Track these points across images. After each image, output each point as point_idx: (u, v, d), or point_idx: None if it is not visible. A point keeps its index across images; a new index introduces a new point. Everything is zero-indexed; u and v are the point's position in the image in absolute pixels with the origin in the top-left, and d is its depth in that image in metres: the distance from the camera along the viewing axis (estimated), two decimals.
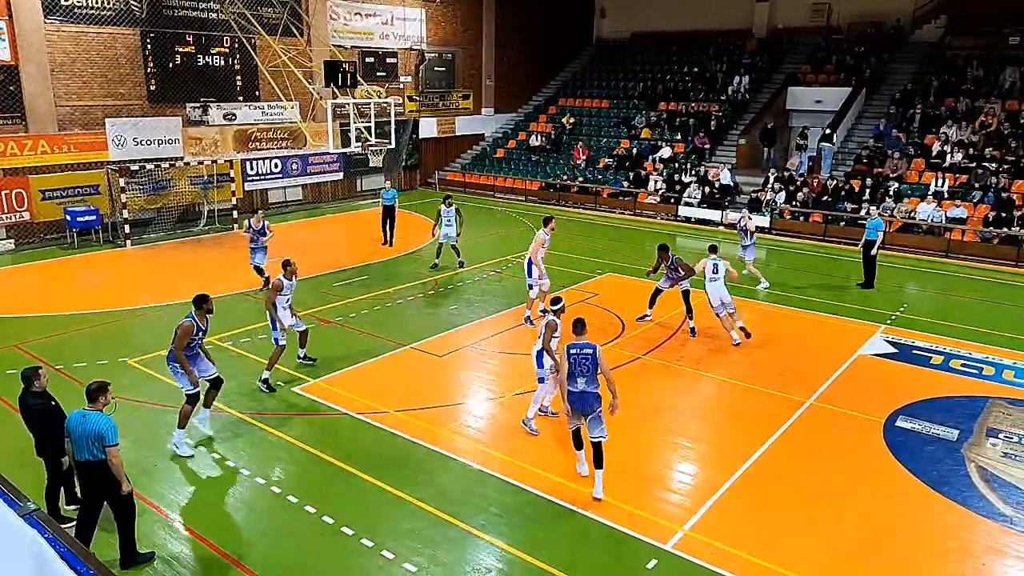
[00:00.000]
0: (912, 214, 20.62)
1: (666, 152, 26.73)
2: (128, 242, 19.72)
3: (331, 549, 7.06)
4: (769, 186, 23.27)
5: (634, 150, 27.55)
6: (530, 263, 13.02)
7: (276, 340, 10.46)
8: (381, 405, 10.04)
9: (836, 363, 11.71)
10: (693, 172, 25.10)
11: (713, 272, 12.40)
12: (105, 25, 20.36)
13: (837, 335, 13.16)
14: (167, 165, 20.96)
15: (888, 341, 12.80)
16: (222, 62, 23.08)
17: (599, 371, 7.74)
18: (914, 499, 8.03)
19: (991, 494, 8.09)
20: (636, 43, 33.81)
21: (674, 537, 7.24)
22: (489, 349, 12.31)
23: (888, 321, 13.87)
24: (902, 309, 14.75)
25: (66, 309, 14.18)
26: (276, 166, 24.93)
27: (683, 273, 12.79)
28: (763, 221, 22.31)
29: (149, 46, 21.31)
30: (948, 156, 22.07)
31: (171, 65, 21.83)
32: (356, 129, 18.97)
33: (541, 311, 12.81)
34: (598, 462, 7.78)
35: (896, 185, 21.77)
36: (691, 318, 12.93)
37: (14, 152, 18.97)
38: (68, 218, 19.60)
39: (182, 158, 21.52)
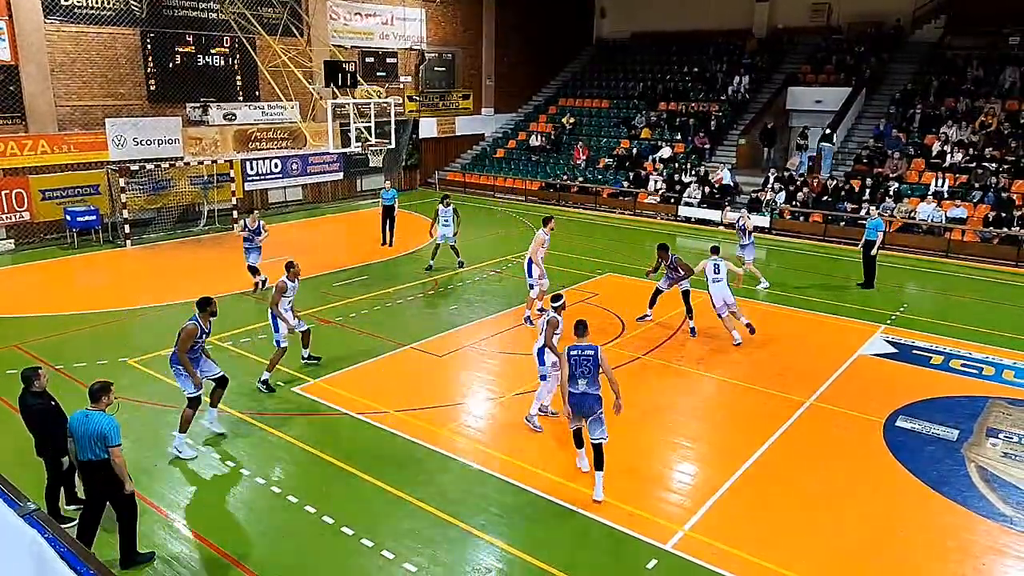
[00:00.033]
0: (912, 214, 20.62)
1: (666, 152, 26.74)
2: (128, 242, 19.72)
3: (331, 549, 7.06)
4: (769, 186, 23.28)
5: (634, 150, 27.55)
6: (530, 263, 13.03)
7: (278, 342, 10.46)
8: (381, 405, 10.04)
9: (836, 363, 11.71)
10: (693, 172, 25.11)
11: (715, 273, 12.39)
12: (105, 25, 20.36)
13: (837, 335, 13.16)
14: (167, 165, 20.97)
15: (888, 341, 12.80)
16: (222, 62, 23.09)
17: (601, 372, 7.71)
18: (914, 499, 8.03)
19: (991, 494, 8.09)
20: (636, 43, 33.81)
21: (674, 537, 7.24)
22: (489, 349, 12.31)
23: (888, 321, 13.87)
24: (902, 309, 14.75)
25: (66, 309, 14.18)
26: (276, 166, 24.93)
27: (683, 273, 12.79)
28: (763, 221, 22.31)
29: (149, 46, 21.31)
30: (948, 156, 22.07)
31: (171, 65, 21.83)
32: (356, 129, 18.98)
33: (539, 310, 12.83)
34: (598, 464, 7.77)
35: (896, 185, 21.77)
36: (691, 318, 12.94)
37: (14, 152, 18.97)
38: (68, 218, 19.60)
39: (182, 158, 21.53)
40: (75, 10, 19.73)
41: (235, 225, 21.40)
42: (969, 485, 8.27)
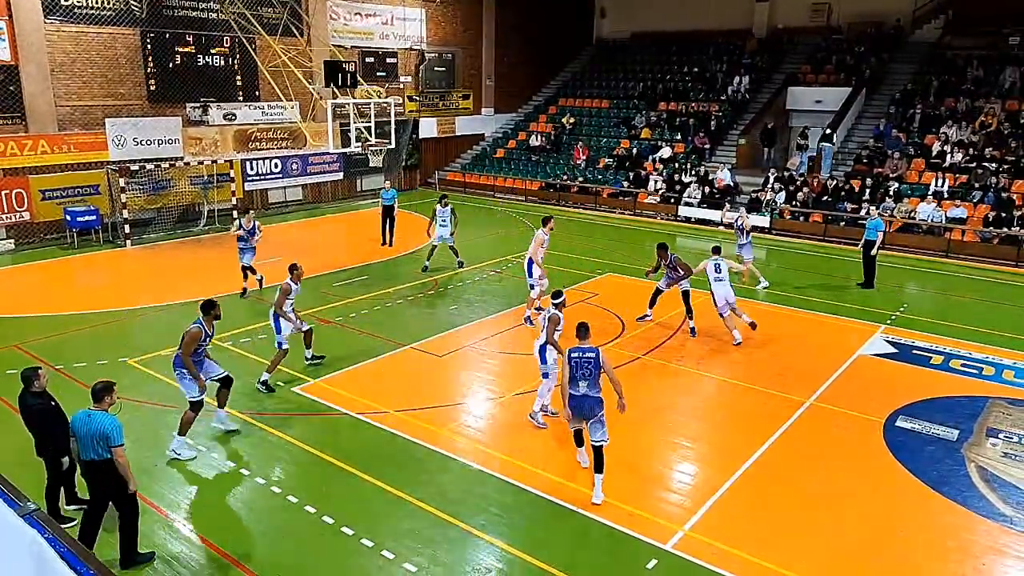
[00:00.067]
0: (912, 214, 20.62)
1: (666, 152, 26.74)
2: (128, 242, 19.72)
3: (331, 549, 7.06)
4: (769, 186, 23.28)
5: (634, 150, 27.56)
6: (531, 263, 13.03)
7: (280, 344, 10.47)
8: (381, 405, 10.04)
9: (836, 363, 11.71)
10: (693, 172, 25.11)
11: (716, 272, 12.42)
12: (105, 25, 20.37)
13: (837, 335, 13.16)
14: (167, 165, 20.97)
15: (888, 341, 12.80)
16: (222, 62, 23.09)
17: (602, 374, 7.69)
18: (914, 499, 8.03)
19: (991, 494, 8.09)
20: (636, 43, 33.81)
21: (674, 537, 7.24)
22: (489, 349, 12.31)
23: (888, 321, 13.87)
24: (902, 309, 14.75)
25: (66, 309, 14.18)
26: (276, 166, 24.93)
27: (682, 273, 12.80)
28: (763, 221, 22.32)
29: (149, 46, 21.32)
30: (948, 156, 22.07)
31: (171, 65, 21.83)
32: (356, 129, 18.98)
33: (537, 309, 12.84)
34: (598, 467, 7.75)
35: (896, 185, 21.77)
36: (691, 318, 12.94)
37: (14, 152, 18.97)
38: (68, 218, 19.61)
39: (182, 158, 21.53)
40: (75, 10, 19.73)
41: (233, 226, 21.42)
42: (969, 485, 8.27)
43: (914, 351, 12.36)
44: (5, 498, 3.15)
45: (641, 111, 29.45)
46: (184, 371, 8.57)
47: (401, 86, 28.64)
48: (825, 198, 22.25)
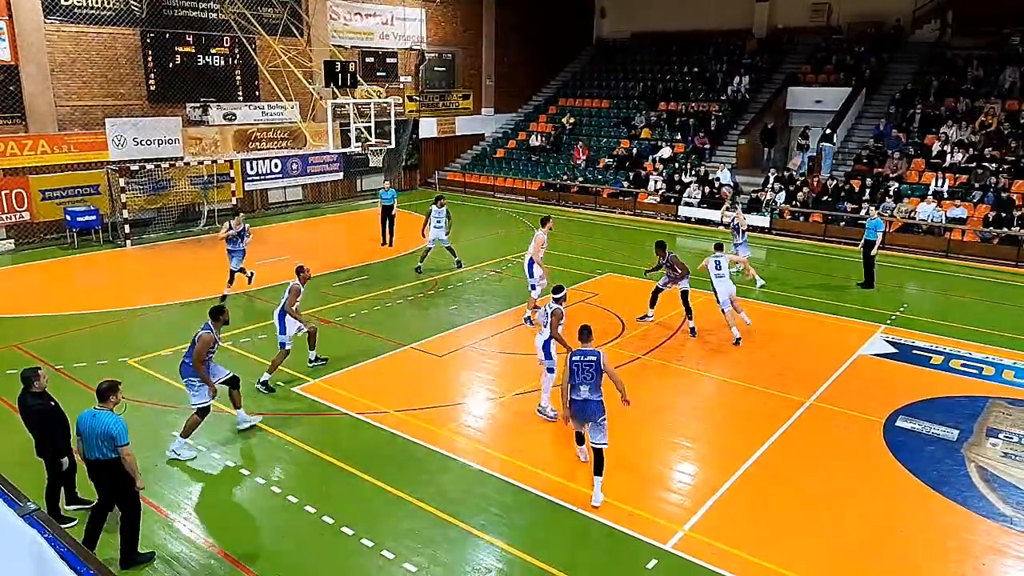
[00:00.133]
0: (912, 214, 20.62)
1: (666, 152, 26.74)
2: (128, 242, 19.72)
3: (331, 549, 7.06)
4: (769, 186, 23.28)
5: (634, 150, 27.56)
6: (531, 263, 13.03)
7: (283, 344, 10.49)
8: (381, 405, 10.05)
9: (836, 363, 11.71)
10: (693, 172, 25.11)
11: (716, 269, 12.51)
12: (105, 25, 20.36)
13: (837, 335, 13.16)
14: (167, 165, 20.97)
15: (888, 341, 12.80)
16: (222, 62, 23.09)
17: (604, 375, 7.69)
18: (914, 499, 8.03)
19: (991, 494, 8.09)
20: (636, 43, 33.81)
21: (674, 537, 7.24)
22: (489, 349, 12.31)
23: (888, 321, 13.87)
24: (902, 309, 14.75)
25: (66, 309, 14.18)
26: (276, 166, 24.93)
27: (679, 272, 12.81)
28: (763, 221, 22.34)
29: (149, 46, 21.32)
30: (948, 156, 22.07)
31: (171, 65, 21.83)
32: (356, 129, 18.97)
33: (534, 308, 12.87)
34: (598, 469, 7.76)
35: (896, 185, 21.77)
36: (691, 318, 12.94)
37: (14, 152, 18.97)
38: (68, 218, 19.60)
39: (182, 158, 21.52)
40: (75, 10, 19.73)
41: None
42: (969, 485, 8.27)
43: (914, 351, 12.36)
44: (5, 498, 3.15)
45: (641, 111, 29.45)
46: (194, 380, 8.52)
47: (401, 86, 28.64)
48: (825, 198, 22.25)
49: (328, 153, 24.31)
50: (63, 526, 6.09)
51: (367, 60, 27.21)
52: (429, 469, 8.48)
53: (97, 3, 20.09)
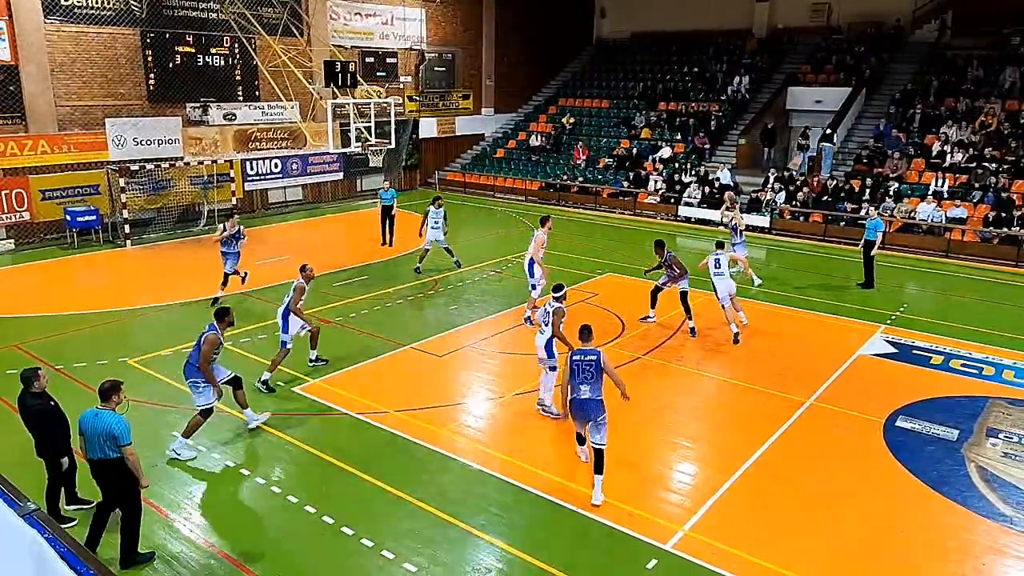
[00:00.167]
0: (912, 214, 20.62)
1: (666, 152, 26.74)
2: (128, 242, 19.72)
3: (331, 549, 7.06)
4: (769, 186, 23.28)
5: (634, 150, 27.56)
6: (531, 263, 13.03)
7: (284, 343, 10.52)
8: (381, 405, 10.05)
9: (836, 363, 11.71)
10: (693, 172, 25.11)
11: (716, 267, 12.58)
12: (105, 25, 20.37)
13: (837, 335, 13.16)
14: (167, 165, 20.97)
15: (888, 341, 12.80)
16: (222, 62, 23.09)
17: (604, 375, 7.72)
18: (914, 499, 8.03)
19: (991, 494, 8.09)
20: (636, 43, 33.81)
21: (674, 537, 7.24)
22: (489, 349, 12.31)
23: (888, 321, 13.87)
24: (902, 309, 14.75)
25: (66, 309, 14.18)
26: (276, 166, 24.93)
27: (677, 272, 12.82)
28: (763, 221, 22.34)
29: (149, 46, 21.32)
30: (948, 156, 22.07)
31: (171, 65, 21.83)
32: (356, 129, 18.97)
33: (533, 308, 12.90)
34: (598, 468, 7.77)
35: (896, 185, 21.77)
36: (690, 318, 12.94)
37: (14, 152, 18.97)
38: (68, 218, 19.61)
39: (182, 158, 21.52)
40: (75, 10, 19.73)
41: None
42: (969, 485, 8.27)
43: (914, 351, 12.36)
44: (5, 498, 3.15)
45: (641, 111, 29.45)
46: (198, 381, 8.53)
47: (401, 86, 28.64)
48: (825, 198, 22.25)
49: (328, 153, 24.31)
50: (63, 526, 6.10)
51: (367, 60, 27.22)
52: (429, 469, 8.48)
53: (97, 3, 20.09)
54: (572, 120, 30.65)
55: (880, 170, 22.57)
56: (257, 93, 24.07)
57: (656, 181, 25.53)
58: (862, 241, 16.24)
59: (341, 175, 27.08)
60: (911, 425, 9.65)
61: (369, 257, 18.42)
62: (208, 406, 8.62)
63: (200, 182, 22.23)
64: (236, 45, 22.88)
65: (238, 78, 23.59)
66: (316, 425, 9.59)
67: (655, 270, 13.45)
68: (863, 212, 20.25)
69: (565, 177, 27.65)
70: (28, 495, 3.41)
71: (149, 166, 20.57)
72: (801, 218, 22.25)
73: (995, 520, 7.62)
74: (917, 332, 13.27)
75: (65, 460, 7.14)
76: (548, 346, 9.48)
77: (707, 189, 24.21)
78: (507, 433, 9.48)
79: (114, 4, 20.39)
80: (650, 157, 26.87)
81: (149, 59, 21.38)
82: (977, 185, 20.91)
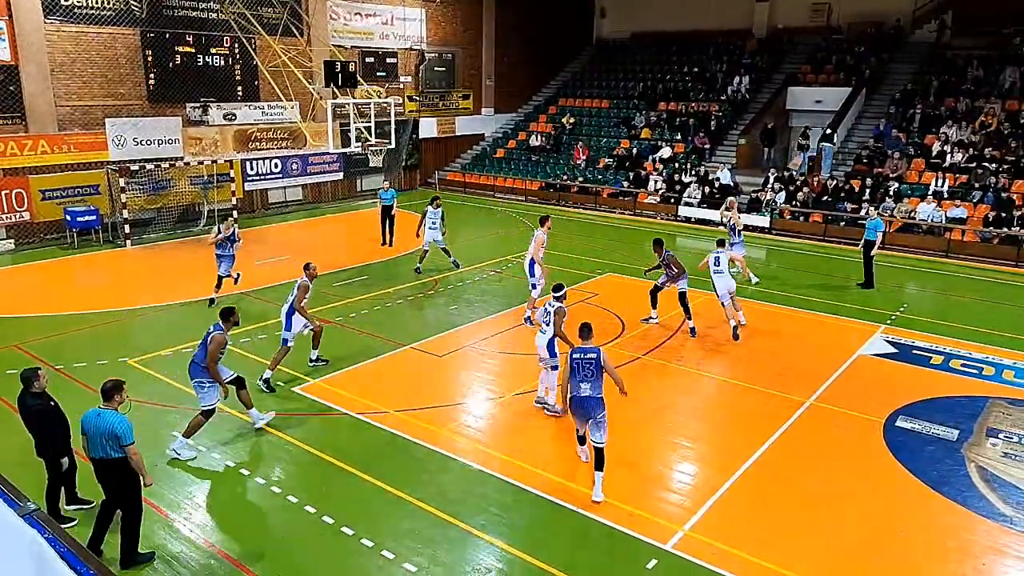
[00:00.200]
0: (912, 214, 20.62)
1: (666, 152, 26.74)
2: (128, 242, 19.72)
3: (331, 549, 7.06)
4: (769, 186, 23.28)
5: (634, 150, 27.56)
6: (532, 263, 13.03)
7: (286, 341, 10.54)
8: (381, 405, 10.05)
9: (836, 363, 11.71)
10: (693, 172, 25.11)
11: (715, 265, 12.67)
12: (105, 25, 20.37)
13: (837, 335, 13.16)
14: (167, 165, 20.97)
15: (888, 341, 12.80)
16: (222, 62, 23.09)
17: (604, 373, 7.76)
18: (914, 499, 8.03)
19: (991, 494, 8.09)
20: (636, 43, 33.81)
21: (674, 537, 7.24)
22: (489, 349, 12.31)
23: (888, 321, 13.87)
24: (902, 309, 14.75)
25: (66, 309, 14.18)
26: (276, 166, 24.93)
27: (676, 271, 12.83)
28: (763, 221, 22.34)
29: (149, 46, 21.32)
30: (948, 156, 22.07)
31: (171, 65, 21.83)
32: (356, 129, 18.97)
33: (533, 308, 12.93)
34: (598, 466, 7.80)
35: (896, 185, 21.78)
36: (690, 318, 12.94)
37: (14, 152, 18.97)
38: (68, 218, 19.60)
39: (182, 158, 21.52)
40: (75, 10, 19.73)
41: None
42: (969, 485, 8.27)
43: (914, 351, 12.36)
44: (5, 498, 3.16)
45: (641, 111, 29.45)
46: (204, 380, 8.54)
47: (401, 86, 28.64)
48: (825, 198, 22.25)
49: (328, 153, 24.31)
50: (63, 526, 6.10)
51: (367, 60, 27.21)
52: (429, 469, 8.48)
53: (97, 3, 20.09)
54: (572, 120, 30.65)
55: (880, 170, 22.57)
56: (257, 93, 24.06)
57: (656, 181, 25.53)
58: (862, 241, 16.24)
59: (341, 175, 27.08)
60: (911, 425, 9.65)
61: (369, 257, 18.42)
62: (211, 407, 8.63)
63: (200, 182, 22.23)
64: (236, 45, 22.88)
65: (238, 78, 23.58)
66: (316, 425, 9.59)
67: (655, 269, 13.46)
68: (863, 212, 20.24)
69: (565, 177, 27.65)
70: (28, 495, 3.41)
71: (149, 166, 20.57)
72: (801, 218, 22.25)
73: (995, 520, 7.62)
74: (917, 332, 13.27)
75: (65, 460, 7.14)
76: (550, 346, 9.52)
77: (707, 189, 24.21)
78: (507, 433, 9.49)
79: (114, 4, 20.39)
80: (650, 157, 26.87)
81: (149, 59, 21.38)
82: (977, 185, 20.91)
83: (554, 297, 9.70)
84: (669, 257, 12.92)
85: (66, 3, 19.51)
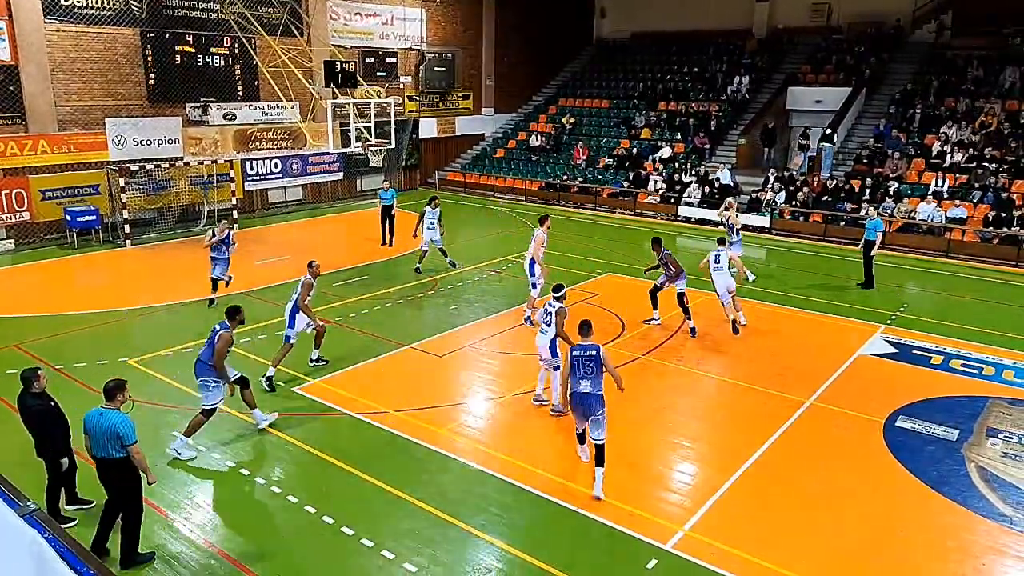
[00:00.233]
0: (912, 214, 20.62)
1: (666, 152, 26.74)
2: (128, 242, 19.72)
3: (331, 549, 7.06)
4: (769, 186, 23.28)
5: (634, 150, 27.56)
6: (532, 263, 13.03)
7: (288, 338, 10.59)
8: (381, 405, 10.05)
9: (836, 363, 11.71)
10: (693, 172, 25.11)
11: (715, 262, 12.71)
12: (105, 25, 20.36)
13: (837, 335, 13.16)
14: (167, 165, 20.97)
15: (888, 341, 12.80)
16: (222, 62, 23.08)
17: (604, 371, 7.79)
18: (914, 499, 8.03)
19: (991, 494, 8.09)
20: (636, 43, 33.81)
21: (674, 537, 7.24)
22: (489, 349, 12.31)
23: (888, 321, 13.87)
24: (902, 309, 14.75)
25: (66, 309, 14.17)
26: (276, 166, 24.93)
27: (673, 270, 12.83)
28: (763, 221, 22.34)
29: (149, 46, 21.31)
30: (948, 156, 22.07)
31: (171, 65, 21.82)
32: (356, 129, 18.97)
33: (533, 308, 12.94)
34: (599, 461, 7.83)
35: (896, 185, 21.78)
36: (689, 318, 12.94)
37: (14, 152, 18.97)
38: (68, 218, 19.60)
39: (182, 158, 21.52)
40: (75, 10, 19.73)
41: (234, 226, 21.35)
42: (969, 485, 8.27)
43: (914, 351, 12.36)
44: (5, 498, 3.15)
45: (641, 111, 29.45)
46: (210, 379, 8.57)
47: (401, 86, 28.64)
48: (825, 198, 22.25)
49: (328, 153, 24.30)
50: (63, 526, 6.10)
51: (367, 60, 27.21)
52: (429, 469, 8.48)
53: (97, 3, 20.09)
54: (572, 120, 30.65)
55: (880, 170, 22.57)
56: (257, 93, 24.06)
57: (656, 181, 25.53)
58: (862, 241, 16.24)
59: (341, 175, 27.08)
60: (911, 425, 9.65)
61: (369, 257, 18.42)
62: (213, 406, 8.64)
63: (200, 182, 22.23)
64: (236, 45, 22.87)
65: (238, 78, 23.58)
66: (316, 425, 9.59)
67: (654, 269, 13.45)
68: (863, 212, 20.24)
69: (565, 177, 27.65)
70: (28, 495, 3.41)
71: (149, 166, 20.56)
72: (801, 218, 22.25)
73: (995, 520, 7.62)
74: (917, 332, 13.27)
75: (65, 460, 7.13)
76: (552, 346, 9.53)
77: (707, 189, 24.21)
78: (507, 433, 9.49)
79: (114, 4, 20.39)
80: (650, 157, 26.87)
81: (149, 59, 21.38)
82: (977, 185, 20.91)
83: (554, 297, 9.72)
84: (667, 256, 12.93)
85: (66, 3, 19.51)
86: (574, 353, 7.84)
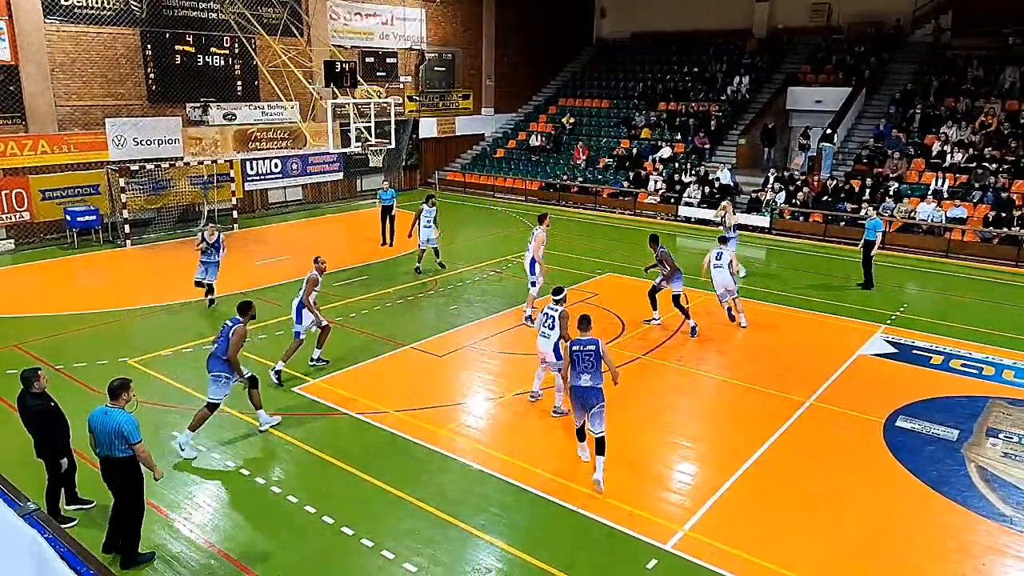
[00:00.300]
0: (912, 214, 20.62)
1: (666, 152, 26.74)
2: (128, 242, 19.72)
3: (331, 549, 7.06)
4: (769, 186, 23.28)
5: (634, 150, 27.56)
6: (533, 262, 13.03)
7: (297, 333, 10.66)
8: (381, 405, 10.05)
9: (836, 363, 11.71)
10: (693, 172, 25.11)
11: (716, 260, 12.76)
12: (105, 25, 20.36)
13: (837, 335, 13.16)
14: (167, 165, 20.96)
15: (888, 341, 12.80)
16: (222, 62, 23.08)
17: (603, 365, 7.87)
18: (914, 499, 8.03)
19: (991, 494, 8.09)
20: (636, 43, 33.81)
21: (674, 537, 7.24)
22: (489, 349, 12.31)
23: (888, 321, 13.87)
24: (902, 309, 14.75)
25: (66, 309, 14.17)
26: (276, 166, 24.93)
27: (668, 269, 12.82)
28: (763, 221, 22.34)
29: (149, 46, 21.31)
30: (948, 156, 22.07)
31: (171, 65, 21.82)
32: (356, 129, 18.97)
33: (533, 307, 12.95)
34: (599, 451, 7.92)
35: (896, 185, 21.78)
36: (689, 318, 12.94)
37: (14, 152, 18.97)
38: (68, 218, 19.60)
39: (182, 158, 21.52)
40: (75, 10, 19.73)
41: (235, 226, 21.38)
42: (969, 485, 8.27)
43: (914, 351, 12.36)
44: (5, 498, 3.16)
45: (641, 111, 29.45)
46: (222, 373, 8.65)
47: (401, 86, 28.64)
48: (825, 198, 22.25)
49: (328, 153, 24.30)
50: (63, 526, 6.10)
51: (367, 60, 27.20)
52: (429, 469, 8.48)
53: (97, 3, 20.08)
54: (572, 120, 30.64)
55: (880, 170, 22.57)
56: (257, 93, 24.06)
57: (656, 181, 25.53)
58: (862, 241, 16.24)
59: (341, 175, 27.08)
60: (911, 425, 9.65)
61: (369, 257, 18.42)
62: (218, 400, 8.70)
63: (200, 182, 22.22)
64: (236, 45, 22.87)
65: (238, 78, 23.57)
66: (316, 425, 9.59)
67: (654, 267, 13.45)
68: (863, 212, 20.24)
69: (565, 177, 27.65)
70: (28, 495, 3.41)
71: (149, 166, 20.56)
72: (801, 218, 22.25)
73: (995, 520, 7.62)
74: (917, 332, 13.27)
75: (65, 460, 7.13)
76: (556, 349, 9.53)
77: (707, 189, 24.21)
78: (507, 433, 9.49)
79: (114, 4, 20.39)
80: (650, 157, 26.87)
81: (149, 59, 21.37)
82: (977, 185, 20.91)
83: (554, 301, 9.71)
84: (662, 253, 12.92)
85: (66, 3, 19.50)
86: (574, 347, 7.92)
